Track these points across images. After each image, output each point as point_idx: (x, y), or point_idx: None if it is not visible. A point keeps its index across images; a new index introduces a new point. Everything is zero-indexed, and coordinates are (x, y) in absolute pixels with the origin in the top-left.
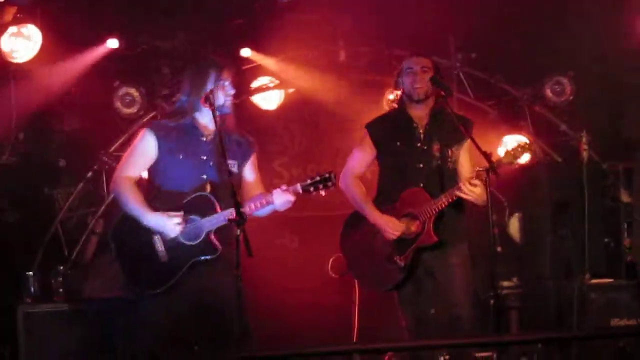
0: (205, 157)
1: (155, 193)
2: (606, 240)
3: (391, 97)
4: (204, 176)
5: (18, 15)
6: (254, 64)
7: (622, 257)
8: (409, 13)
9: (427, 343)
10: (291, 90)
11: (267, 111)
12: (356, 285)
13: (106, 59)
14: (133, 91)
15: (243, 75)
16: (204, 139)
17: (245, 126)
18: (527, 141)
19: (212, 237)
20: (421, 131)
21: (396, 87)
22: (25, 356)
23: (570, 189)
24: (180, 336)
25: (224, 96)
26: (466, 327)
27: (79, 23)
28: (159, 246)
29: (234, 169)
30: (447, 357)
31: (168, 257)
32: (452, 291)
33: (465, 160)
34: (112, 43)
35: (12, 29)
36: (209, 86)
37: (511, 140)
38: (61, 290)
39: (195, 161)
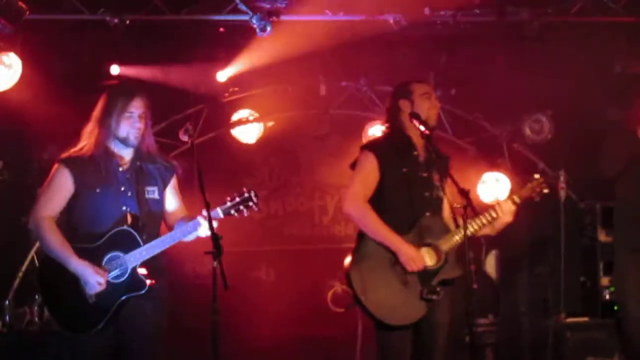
0: (123, 188)
1: (74, 230)
2: (582, 279)
3: (371, 131)
4: (124, 207)
5: None
6: (235, 96)
7: (598, 296)
8: (390, 49)
9: None
10: (270, 123)
11: (246, 144)
12: (359, 318)
13: (85, 89)
14: None
15: (222, 108)
16: (121, 168)
17: (224, 159)
18: (538, 176)
19: (138, 271)
20: (422, 159)
21: (394, 111)
22: None
23: (548, 227)
24: None
25: (128, 128)
26: None
27: (61, 52)
28: (86, 290)
29: (154, 196)
30: None
31: (95, 298)
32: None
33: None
34: (115, 69)
35: None
36: (114, 117)
37: (491, 178)
38: (37, 319)
39: (113, 193)
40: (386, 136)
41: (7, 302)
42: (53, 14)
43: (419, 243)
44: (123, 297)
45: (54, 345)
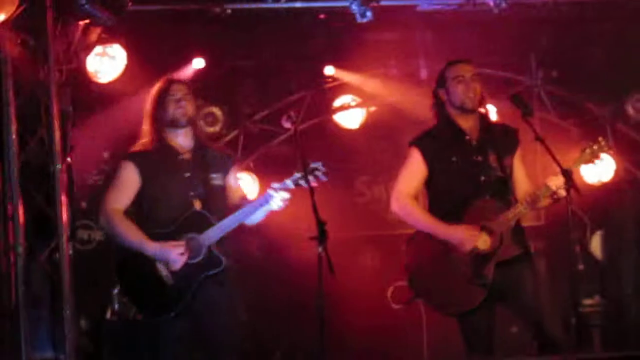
0: (188, 175)
1: (145, 220)
2: None
3: None
4: (191, 193)
5: (103, 35)
6: (336, 82)
7: None
8: (491, 30)
9: None
10: (373, 108)
11: (349, 130)
12: (423, 311)
13: (189, 78)
14: (216, 110)
15: (325, 94)
16: (182, 157)
17: (327, 145)
18: (602, 139)
19: (214, 250)
20: (475, 143)
21: (435, 97)
22: None
23: None
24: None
25: (173, 109)
26: (559, 338)
27: (163, 43)
28: (163, 271)
29: (219, 182)
30: None
31: (174, 279)
32: (535, 306)
33: (519, 169)
34: (198, 63)
35: (98, 49)
36: (160, 104)
37: None
38: None
39: (179, 181)
40: (432, 128)
41: (115, 290)
42: (155, 4)
43: (473, 227)
44: (202, 276)
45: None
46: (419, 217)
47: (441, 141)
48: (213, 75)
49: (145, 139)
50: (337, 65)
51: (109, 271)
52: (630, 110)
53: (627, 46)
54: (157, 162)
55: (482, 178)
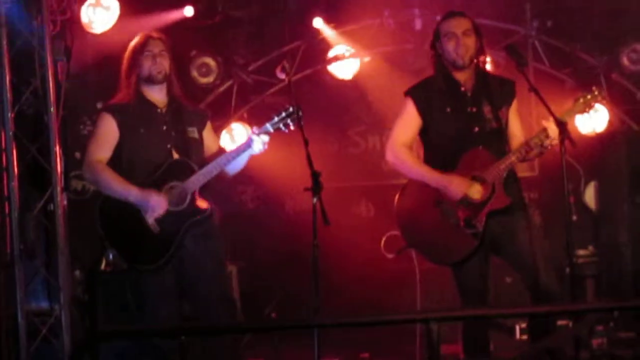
0: (165, 127)
1: (127, 172)
2: None
3: None
4: (168, 145)
5: None
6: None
7: None
8: None
9: (502, 311)
10: (367, 59)
11: (343, 80)
12: (415, 260)
13: (182, 28)
14: (209, 60)
15: (319, 45)
16: (159, 110)
17: (321, 96)
18: (595, 89)
19: (197, 197)
20: (469, 94)
21: (433, 50)
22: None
23: None
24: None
25: (149, 66)
26: (553, 291)
27: None
28: (149, 219)
29: (195, 135)
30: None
31: (160, 228)
32: (530, 256)
33: (514, 121)
34: (188, 11)
35: (91, 0)
36: (136, 60)
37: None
38: None
39: (156, 133)
40: (428, 79)
41: None
42: None
43: (465, 177)
44: (187, 223)
45: None
46: (412, 166)
47: (436, 92)
48: (206, 26)
49: (123, 92)
50: (333, 16)
51: None
52: (624, 60)
53: None
54: (134, 115)
55: (476, 129)
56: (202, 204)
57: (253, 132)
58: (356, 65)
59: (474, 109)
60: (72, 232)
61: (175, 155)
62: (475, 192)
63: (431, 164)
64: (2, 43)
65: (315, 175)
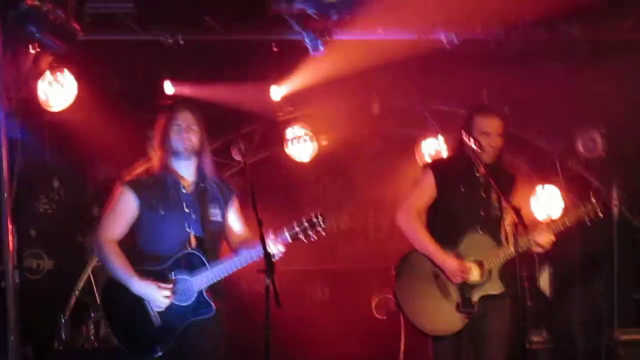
0: (187, 210)
1: (140, 253)
2: (636, 296)
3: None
4: (188, 230)
5: (54, 63)
6: (288, 116)
7: None
8: (442, 66)
9: None
10: (324, 142)
11: (300, 163)
12: (402, 326)
13: (140, 108)
14: None
15: (276, 127)
16: (184, 190)
17: (279, 178)
18: (595, 190)
19: (205, 294)
20: (482, 180)
21: (458, 139)
22: None
23: (601, 244)
24: None
25: (177, 139)
26: None
27: (113, 71)
28: (151, 310)
29: (218, 218)
30: None
31: (161, 320)
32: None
33: (507, 213)
34: (168, 87)
35: (49, 77)
36: (165, 132)
37: (544, 195)
38: (92, 337)
39: (178, 215)
40: (449, 158)
41: (63, 320)
42: (108, 34)
43: (464, 258)
44: (190, 320)
45: None
46: (421, 237)
47: (454, 170)
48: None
49: (149, 164)
50: (288, 98)
51: (58, 301)
52: (580, 148)
53: (579, 83)
54: (157, 194)
55: (482, 213)
56: (208, 302)
57: (270, 239)
58: (314, 148)
59: (484, 195)
60: (25, 308)
61: (193, 241)
62: (473, 276)
63: (434, 233)
64: None
65: (268, 257)
